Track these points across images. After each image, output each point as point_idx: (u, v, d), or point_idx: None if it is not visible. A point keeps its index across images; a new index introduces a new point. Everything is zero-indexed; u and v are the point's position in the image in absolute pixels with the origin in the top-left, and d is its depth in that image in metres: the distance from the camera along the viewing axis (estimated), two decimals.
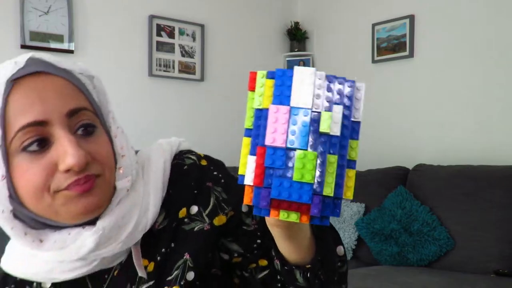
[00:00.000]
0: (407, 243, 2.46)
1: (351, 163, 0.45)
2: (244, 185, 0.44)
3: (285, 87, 0.42)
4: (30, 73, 0.59)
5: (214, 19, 3.39)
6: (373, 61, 3.27)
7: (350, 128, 0.44)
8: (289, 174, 0.41)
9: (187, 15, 3.27)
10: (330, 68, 3.60)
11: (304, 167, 0.41)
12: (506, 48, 2.63)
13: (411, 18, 3.04)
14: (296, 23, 3.72)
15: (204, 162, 0.71)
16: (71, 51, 2.79)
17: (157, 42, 3.13)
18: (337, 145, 0.43)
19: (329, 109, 0.43)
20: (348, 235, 2.69)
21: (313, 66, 3.67)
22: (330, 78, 0.43)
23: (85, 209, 0.59)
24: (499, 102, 2.66)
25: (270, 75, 0.44)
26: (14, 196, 0.59)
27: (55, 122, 0.58)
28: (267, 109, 0.43)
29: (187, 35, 3.26)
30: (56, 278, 0.64)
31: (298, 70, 0.42)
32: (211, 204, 0.68)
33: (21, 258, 0.65)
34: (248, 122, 0.45)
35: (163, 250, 0.66)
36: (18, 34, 2.64)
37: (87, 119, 0.61)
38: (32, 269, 0.64)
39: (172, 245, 0.67)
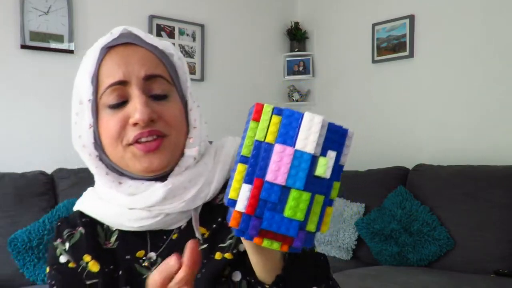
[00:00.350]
0: (407, 243, 2.46)
1: (330, 201, 0.49)
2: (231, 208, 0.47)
3: (291, 127, 0.45)
4: (121, 43, 0.71)
5: (214, 19, 3.39)
6: (373, 61, 3.27)
7: (337, 169, 0.47)
8: (280, 209, 0.45)
9: (187, 15, 3.27)
10: (330, 68, 3.60)
11: (298, 206, 0.44)
12: (506, 48, 2.63)
13: (411, 18, 3.04)
14: (296, 23, 3.72)
15: None
16: (71, 51, 2.79)
17: None
18: (325, 187, 0.47)
19: (323, 153, 0.46)
20: (348, 235, 2.69)
21: (312, 66, 3.67)
22: (330, 126, 0.46)
23: (148, 168, 0.69)
24: (499, 102, 2.66)
25: (277, 112, 0.46)
26: (98, 143, 0.72)
27: (133, 83, 0.69)
28: (268, 143, 0.46)
29: (187, 35, 3.27)
30: (123, 224, 0.73)
31: (308, 117, 0.45)
32: None
33: (97, 202, 0.75)
34: (246, 150, 0.47)
35: (219, 219, 0.74)
36: (18, 34, 2.64)
37: (162, 86, 0.71)
38: (105, 212, 0.74)
39: None
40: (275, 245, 0.47)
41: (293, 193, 0.44)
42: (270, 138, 0.46)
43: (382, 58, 3.21)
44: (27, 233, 2.23)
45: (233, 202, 0.47)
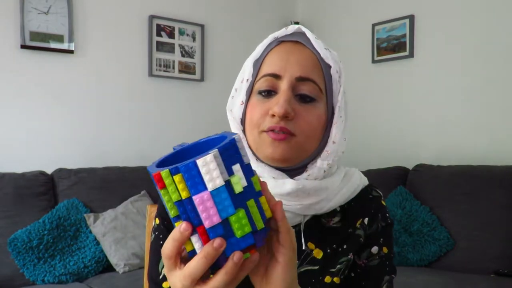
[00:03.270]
0: (407, 243, 2.46)
1: (259, 193, 0.54)
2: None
3: (194, 176, 0.49)
4: (292, 40, 0.78)
5: (214, 19, 3.39)
6: (373, 61, 3.27)
7: (247, 171, 0.52)
8: (231, 234, 0.51)
9: (187, 15, 3.27)
10: None
11: (241, 223, 0.51)
12: (506, 48, 2.63)
13: (411, 18, 3.04)
14: (296, 23, 3.72)
15: (383, 203, 0.88)
16: (71, 51, 2.79)
17: (157, 42, 3.13)
18: (248, 192, 0.52)
19: (230, 173, 0.50)
20: None
21: None
22: (219, 149, 0.50)
23: (271, 154, 0.74)
24: (499, 102, 2.66)
25: (174, 171, 0.49)
26: (242, 121, 0.80)
27: (285, 79, 0.75)
28: (187, 199, 0.50)
29: (187, 35, 3.26)
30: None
31: (201, 162, 0.49)
32: (373, 228, 0.83)
33: None
34: (174, 212, 0.51)
35: (334, 246, 0.80)
36: (18, 34, 2.64)
37: (311, 89, 0.75)
38: None
39: (344, 246, 0.80)
40: (247, 255, 0.53)
41: (232, 219, 0.50)
42: (184, 195, 0.50)
43: (382, 58, 3.21)
44: (27, 233, 2.23)
45: (194, 252, 0.52)
